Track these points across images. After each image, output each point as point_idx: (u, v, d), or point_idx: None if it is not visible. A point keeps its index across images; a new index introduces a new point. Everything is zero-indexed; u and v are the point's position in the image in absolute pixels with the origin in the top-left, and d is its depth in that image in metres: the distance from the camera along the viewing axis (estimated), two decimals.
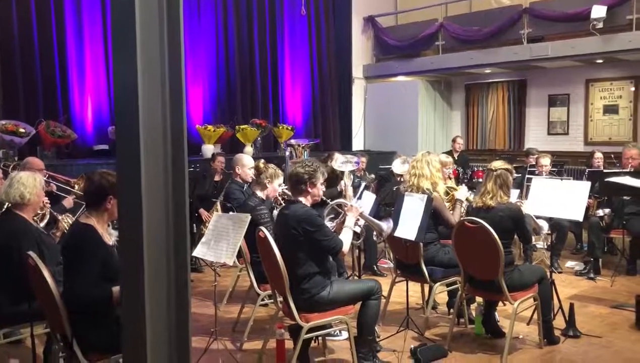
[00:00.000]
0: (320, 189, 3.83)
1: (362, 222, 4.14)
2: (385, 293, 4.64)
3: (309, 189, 3.75)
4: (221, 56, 9.73)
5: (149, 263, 1.70)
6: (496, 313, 4.62)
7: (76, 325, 2.99)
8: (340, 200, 4.23)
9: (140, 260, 1.68)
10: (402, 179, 5.83)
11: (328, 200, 4.15)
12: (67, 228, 4.38)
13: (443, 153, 7.59)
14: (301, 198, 3.75)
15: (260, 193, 4.66)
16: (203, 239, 3.91)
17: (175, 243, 1.77)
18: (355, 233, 4.05)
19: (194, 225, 6.61)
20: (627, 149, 6.84)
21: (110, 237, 3.20)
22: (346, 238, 3.79)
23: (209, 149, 8.63)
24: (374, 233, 4.49)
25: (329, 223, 4.00)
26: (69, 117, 8.08)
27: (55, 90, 8.00)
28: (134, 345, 1.68)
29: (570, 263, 6.83)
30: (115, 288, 2.93)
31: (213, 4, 9.63)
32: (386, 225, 4.07)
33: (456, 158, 9.43)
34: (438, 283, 4.55)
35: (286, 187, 5.04)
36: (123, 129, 1.67)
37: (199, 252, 3.88)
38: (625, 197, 6.17)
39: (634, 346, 4.35)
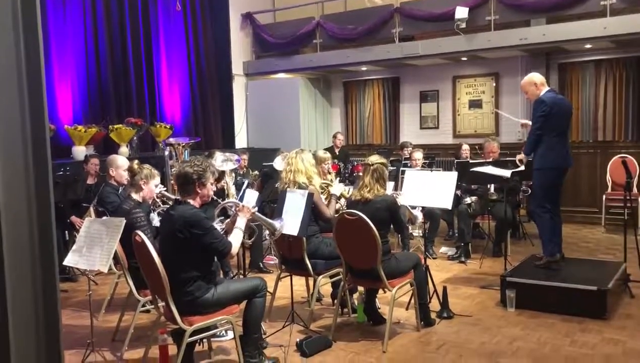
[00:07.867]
0: (210, 189, 3.72)
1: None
2: (270, 289, 4.67)
3: (198, 190, 3.63)
4: (91, 53, 9.18)
5: (11, 275, 1.58)
6: (377, 300, 4.83)
7: None
8: (232, 200, 4.17)
9: (1, 273, 1.56)
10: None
11: (219, 200, 4.08)
12: None
13: (323, 149, 7.77)
14: (189, 199, 3.63)
15: (135, 196, 4.46)
16: (74, 247, 3.69)
17: (41, 252, 1.67)
18: (250, 231, 4.00)
19: (66, 232, 6.24)
20: (487, 143, 7.43)
21: None
22: (236, 239, 3.73)
23: (80, 151, 8.15)
24: (266, 232, 4.49)
25: (218, 225, 3.93)
26: None
27: None
28: None
29: (443, 249, 7.30)
30: None
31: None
32: (279, 224, 4.08)
33: (337, 153, 9.70)
34: (321, 276, 4.66)
35: (164, 188, 4.90)
36: None
37: (70, 260, 3.66)
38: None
39: (499, 322, 4.74)
